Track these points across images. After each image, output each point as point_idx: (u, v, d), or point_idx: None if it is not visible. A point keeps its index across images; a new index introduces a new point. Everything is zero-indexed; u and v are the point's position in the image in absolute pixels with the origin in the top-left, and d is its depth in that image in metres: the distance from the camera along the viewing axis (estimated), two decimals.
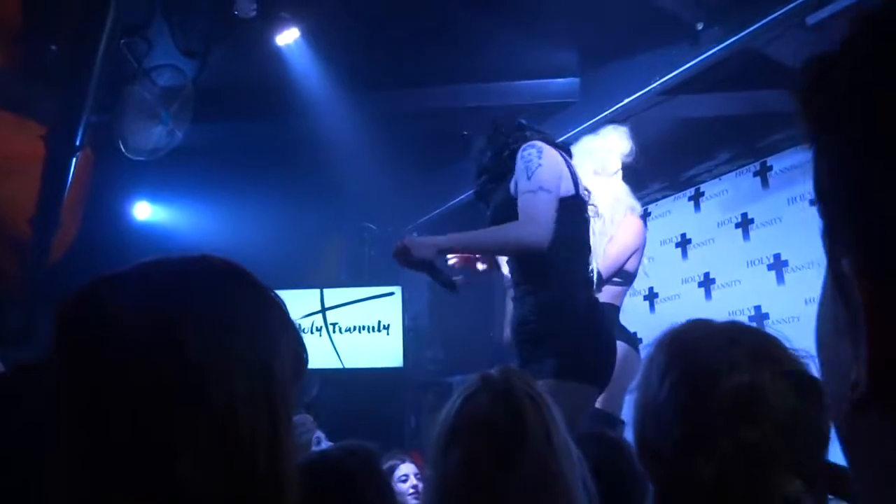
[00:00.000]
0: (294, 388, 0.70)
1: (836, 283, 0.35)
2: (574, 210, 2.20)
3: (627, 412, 2.89)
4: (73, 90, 3.40)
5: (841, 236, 0.36)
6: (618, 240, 2.86)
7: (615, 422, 2.67)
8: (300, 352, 0.73)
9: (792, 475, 0.79)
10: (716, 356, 0.84)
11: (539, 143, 2.19)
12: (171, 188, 4.79)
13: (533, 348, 2.10)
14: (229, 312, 0.66)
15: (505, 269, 2.55)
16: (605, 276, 2.80)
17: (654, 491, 0.88)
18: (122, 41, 3.32)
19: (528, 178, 2.09)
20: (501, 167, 2.27)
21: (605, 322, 2.24)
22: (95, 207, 4.34)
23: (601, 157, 2.96)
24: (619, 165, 2.99)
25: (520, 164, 2.14)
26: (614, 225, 2.86)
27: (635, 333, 3.91)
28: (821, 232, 0.39)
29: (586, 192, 2.31)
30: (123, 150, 3.75)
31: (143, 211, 4.99)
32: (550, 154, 2.17)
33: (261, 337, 0.67)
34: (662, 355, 0.88)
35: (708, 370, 0.83)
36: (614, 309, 2.95)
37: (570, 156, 2.41)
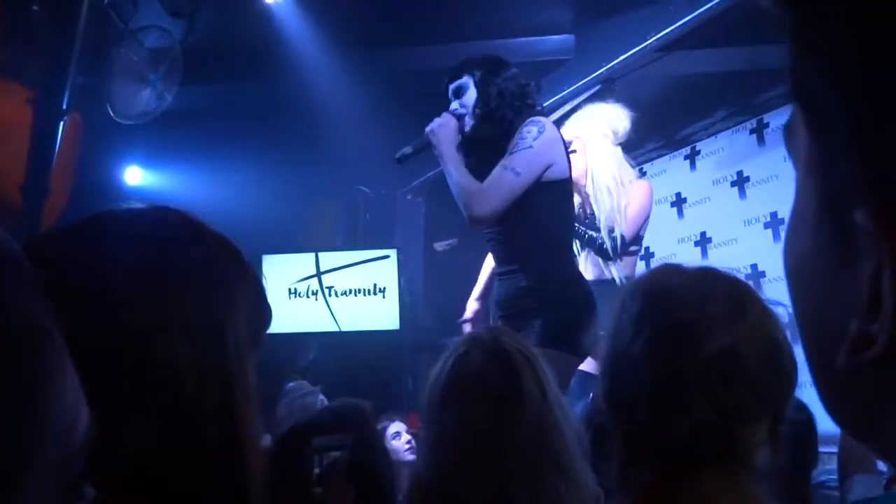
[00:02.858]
0: (255, 346, 0.65)
1: (839, 234, 0.30)
2: (564, 193, 2.26)
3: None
4: (57, 51, 3.32)
5: (849, 173, 0.28)
6: (636, 204, 2.89)
7: None
8: (261, 305, 0.68)
9: (758, 423, 0.81)
10: (693, 311, 0.82)
11: (543, 122, 2.19)
12: (162, 152, 4.72)
13: (520, 323, 2.15)
14: (173, 270, 0.60)
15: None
16: (628, 239, 2.85)
17: (619, 443, 0.88)
18: (106, 0, 3.24)
19: (511, 153, 2.14)
20: (495, 134, 2.25)
21: (588, 297, 2.25)
22: (85, 173, 4.27)
23: (616, 124, 2.97)
24: (623, 137, 3.02)
25: (516, 137, 2.17)
26: (625, 188, 2.88)
27: None
28: (808, 159, 0.31)
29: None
30: (112, 113, 3.69)
31: (134, 176, 4.92)
32: (549, 137, 2.17)
33: (211, 294, 0.61)
34: (636, 304, 0.87)
35: (685, 327, 0.82)
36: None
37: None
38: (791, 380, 0.83)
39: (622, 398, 0.87)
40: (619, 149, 3.02)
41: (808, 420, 1.59)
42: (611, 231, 2.81)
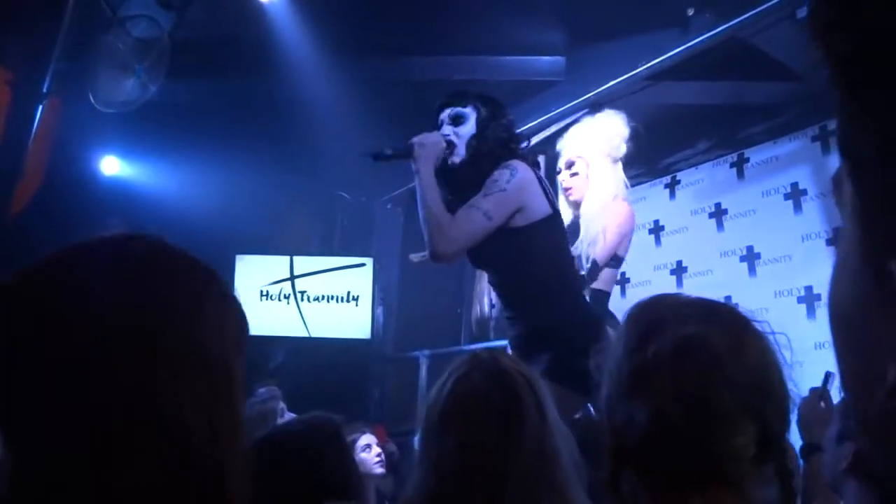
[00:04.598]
0: (240, 368, 0.63)
1: (878, 281, 0.32)
2: (555, 228, 2.19)
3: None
4: (42, 34, 3.26)
5: (888, 229, 0.30)
6: (612, 226, 2.78)
7: None
8: (242, 322, 0.66)
9: (734, 424, 0.79)
10: (668, 311, 0.86)
11: (516, 165, 2.14)
12: (141, 144, 4.64)
13: (527, 358, 2.06)
14: (145, 302, 0.58)
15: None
16: (601, 264, 2.75)
17: (608, 448, 0.88)
18: None
19: (484, 196, 2.08)
20: (479, 175, 2.17)
21: (595, 331, 2.18)
22: (60, 159, 4.19)
23: (617, 143, 2.88)
24: (623, 153, 2.93)
25: (488, 180, 2.11)
26: (604, 211, 2.78)
27: None
28: (852, 211, 0.32)
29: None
30: (93, 101, 3.62)
31: (111, 166, 4.84)
32: (521, 181, 2.11)
33: (192, 320, 0.60)
34: (625, 321, 0.91)
35: (657, 320, 0.85)
36: (605, 295, 2.88)
37: (538, 167, 2.37)
38: (779, 396, 0.82)
39: (607, 401, 0.88)
40: (619, 166, 2.93)
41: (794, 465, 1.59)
42: (588, 257, 2.73)
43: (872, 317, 0.31)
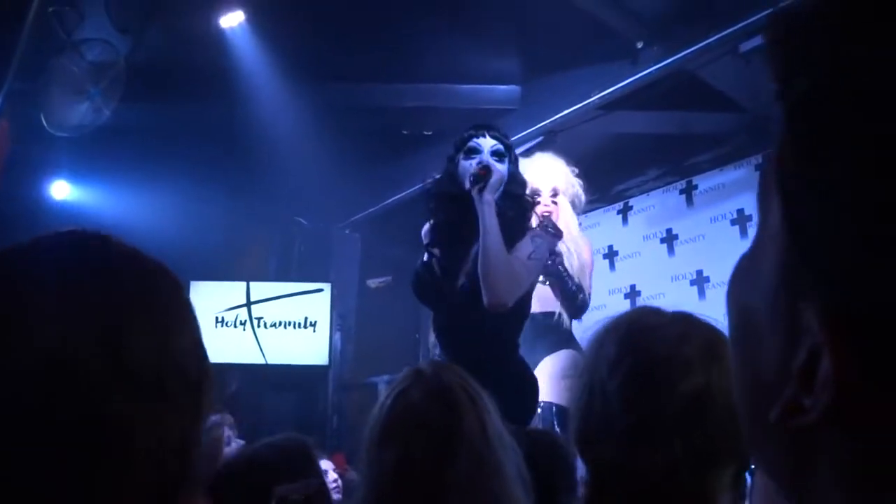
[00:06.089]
0: (201, 389, 0.57)
1: (788, 302, 0.30)
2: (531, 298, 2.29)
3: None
4: None
5: (809, 266, 0.28)
6: (588, 260, 2.92)
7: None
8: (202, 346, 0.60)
9: (725, 467, 0.83)
10: (669, 352, 0.84)
11: (546, 239, 2.23)
12: (93, 168, 4.55)
13: None
14: (100, 304, 0.52)
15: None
16: (588, 291, 2.83)
17: (589, 477, 0.89)
18: (51, 9, 3.15)
19: (529, 258, 2.12)
20: (509, 217, 2.18)
21: (534, 385, 2.23)
22: (8, 182, 4.10)
23: (566, 180, 3.01)
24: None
25: (529, 242, 2.15)
26: (577, 244, 2.89)
27: None
28: (777, 230, 0.30)
29: None
30: (45, 124, 3.56)
31: (61, 190, 4.74)
32: (546, 255, 2.25)
33: (147, 327, 0.53)
34: (612, 344, 0.88)
35: (661, 365, 0.84)
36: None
37: None
38: None
39: (593, 434, 0.87)
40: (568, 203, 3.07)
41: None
42: (578, 285, 2.79)
43: (777, 329, 0.30)
